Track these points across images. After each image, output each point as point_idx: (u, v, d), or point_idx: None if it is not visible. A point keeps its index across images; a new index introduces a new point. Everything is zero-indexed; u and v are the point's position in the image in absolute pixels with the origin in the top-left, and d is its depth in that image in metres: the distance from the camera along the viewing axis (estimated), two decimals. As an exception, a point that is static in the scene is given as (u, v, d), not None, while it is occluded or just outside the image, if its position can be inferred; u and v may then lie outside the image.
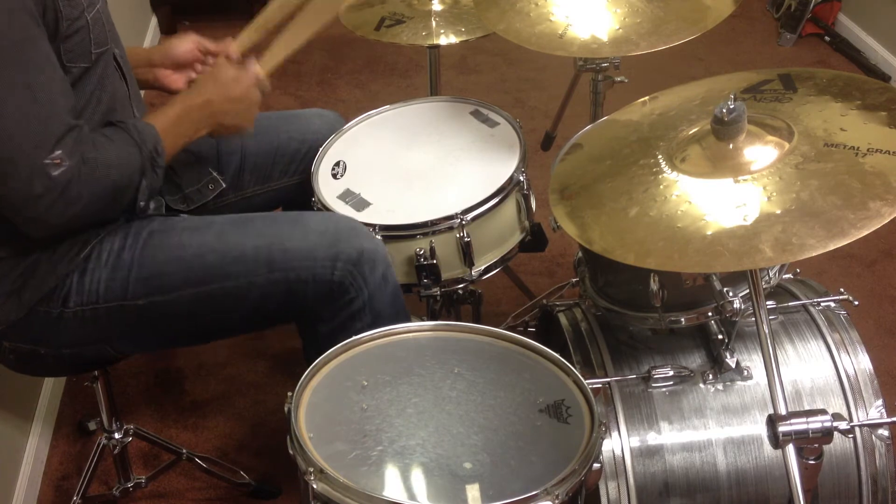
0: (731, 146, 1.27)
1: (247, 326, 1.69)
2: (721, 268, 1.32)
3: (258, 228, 1.57)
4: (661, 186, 1.28)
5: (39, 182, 1.34)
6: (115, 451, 1.85)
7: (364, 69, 3.56)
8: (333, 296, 1.54)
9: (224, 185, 1.79)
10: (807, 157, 1.22)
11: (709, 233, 1.18)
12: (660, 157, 1.33)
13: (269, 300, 1.55)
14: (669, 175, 1.29)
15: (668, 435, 1.47)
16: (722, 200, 1.21)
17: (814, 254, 1.10)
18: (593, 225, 1.31)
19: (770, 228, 1.14)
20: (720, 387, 1.50)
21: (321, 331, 1.58)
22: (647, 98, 1.52)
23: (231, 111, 1.60)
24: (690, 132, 1.35)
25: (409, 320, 1.63)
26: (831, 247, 1.10)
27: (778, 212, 1.16)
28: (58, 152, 1.34)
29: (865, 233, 1.10)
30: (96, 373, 1.73)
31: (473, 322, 1.62)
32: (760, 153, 1.25)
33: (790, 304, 1.59)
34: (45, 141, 1.34)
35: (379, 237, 1.63)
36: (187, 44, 1.76)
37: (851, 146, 1.20)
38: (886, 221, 1.10)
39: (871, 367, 1.50)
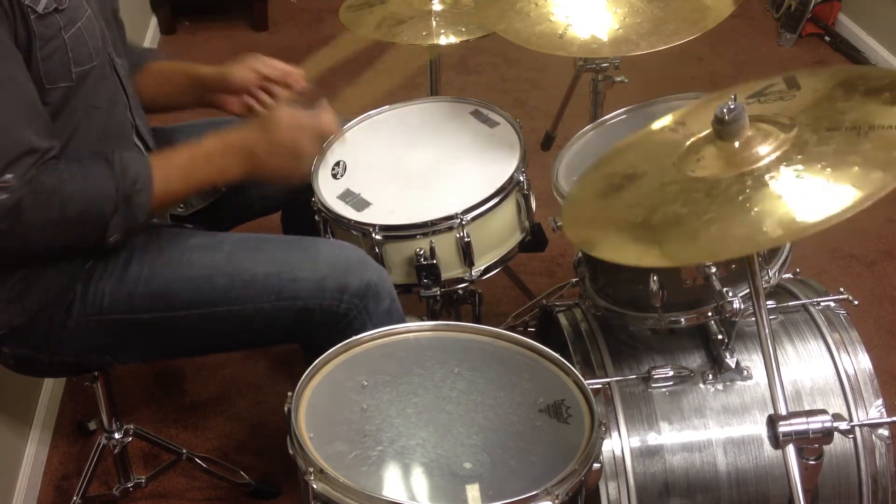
0: (736, 144, 1.26)
1: (249, 345, 1.70)
2: (727, 255, 1.31)
3: (269, 254, 1.55)
4: (666, 188, 1.28)
5: None
6: (115, 451, 1.85)
7: (364, 69, 3.55)
8: (338, 327, 1.54)
9: (224, 190, 1.78)
10: (810, 143, 1.21)
11: (714, 227, 1.17)
12: (675, 164, 1.32)
13: (275, 324, 1.55)
14: (676, 176, 1.29)
15: (668, 435, 1.47)
16: (725, 197, 1.21)
17: (816, 230, 1.09)
18: (602, 236, 1.30)
19: (773, 211, 1.14)
20: (720, 387, 1.50)
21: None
22: (670, 122, 1.49)
23: (273, 155, 1.51)
24: (696, 138, 1.35)
25: None
26: (834, 221, 1.09)
27: (780, 194, 1.15)
28: (8, 176, 1.28)
29: (868, 204, 1.08)
30: (96, 373, 1.73)
31: (473, 322, 1.62)
32: (764, 146, 1.24)
33: (790, 303, 1.59)
34: None
35: (379, 237, 1.64)
36: (246, 72, 1.72)
37: (854, 126, 1.20)
38: (889, 190, 1.09)
39: (871, 366, 1.50)
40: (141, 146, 1.61)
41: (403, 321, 1.60)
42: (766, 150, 1.23)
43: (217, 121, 1.86)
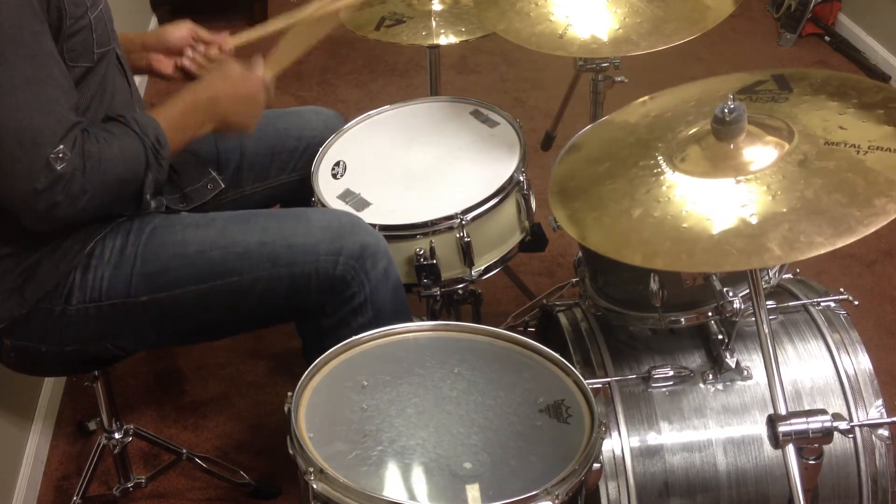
0: (731, 146, 1.26)
1: (250, 324, 1.69)
2: (731, 267, 1.31)
3: (261, 224, 1.57)
4: (663, 187, 1.28)
5: (43, 176, 1.33)
6: (115, 451, 1.85)
7: (364, 69, 3.56)
8: (336, 290, 1.55)
9: (223, 186, 1.79)
10: (808, 156, 1.21)
11: (715, 232, 1.17)
12: (659, 158, 1.33)
13: (273, 295, 1.56)
14: (670, 176, 1.29)
15: (668, 435, 1.47)
16: (724, 200, 1.21)
17: (822, 251, 1.10)
18: (596, 227, 1.30)
19: (777, 227, 1.14)
20: (720, 387, 1.50)
21: (323, 325, 1.59)
22: (643, 99, 1.52)
23: (237, 110, 1.59)
24: (689, 132, 1.35)
25: (410, 317, 1.63)
26: (840, 244, 1.10)
27: (784, 210, 1.16)
28: (60, 147, 1.34)
29: (873, 229, 1.09)
30: (96, 373, 1.73)
31: (473, 322, 1.62)
32: (760, 153, 1.25)
33: (790, 303, 1.59)
34: (49, 136, 1.34)
35: (379, 237, 1.64)
36: (182, 30, 1.77)
37: (852, 144, 1.20)
38: (893, 217, 1.09)
39: (871, 366, 1.50)
40: None
41: (401, 284, 1.61)
42: (757, 159, 1.24)
43: None
